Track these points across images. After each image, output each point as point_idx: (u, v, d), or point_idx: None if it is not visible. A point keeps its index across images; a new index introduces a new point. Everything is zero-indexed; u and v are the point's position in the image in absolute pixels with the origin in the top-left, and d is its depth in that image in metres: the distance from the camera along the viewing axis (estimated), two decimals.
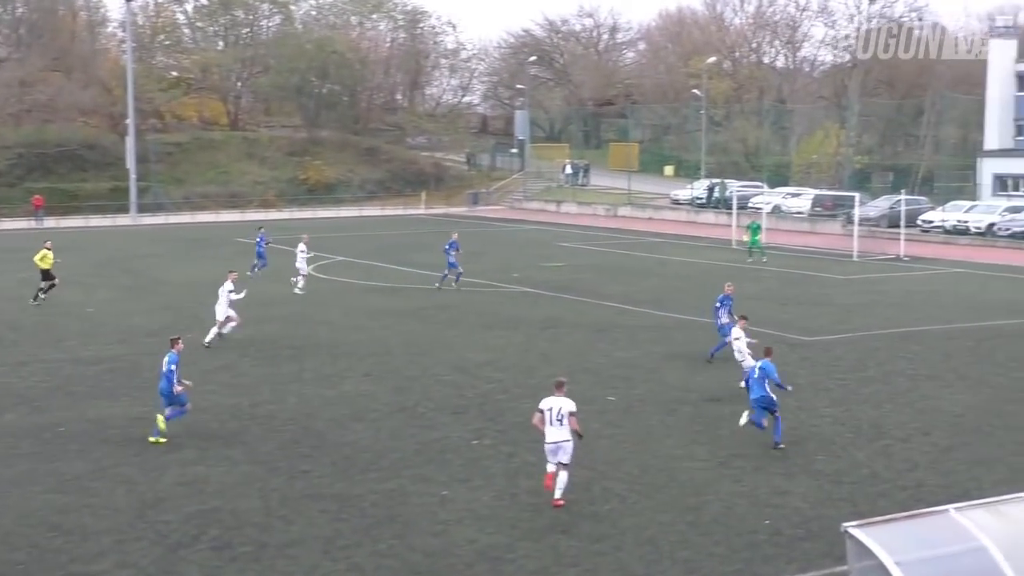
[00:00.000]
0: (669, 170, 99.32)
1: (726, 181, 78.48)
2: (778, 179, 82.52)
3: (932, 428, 22.10)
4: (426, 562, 15.20)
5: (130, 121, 79.87)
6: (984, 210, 64.63)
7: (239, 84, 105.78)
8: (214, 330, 29.94)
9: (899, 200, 62.20)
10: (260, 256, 45.00)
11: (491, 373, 26.91)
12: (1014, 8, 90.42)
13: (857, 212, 57.79)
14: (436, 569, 15.02)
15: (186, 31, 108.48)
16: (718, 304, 28.46)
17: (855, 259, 52.91)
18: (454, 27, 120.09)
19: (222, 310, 30.03)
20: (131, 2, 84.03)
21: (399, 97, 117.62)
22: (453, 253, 41.07)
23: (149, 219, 78.50)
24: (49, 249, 37.95)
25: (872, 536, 10.78)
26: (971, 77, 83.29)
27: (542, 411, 17.37)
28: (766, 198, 69.79)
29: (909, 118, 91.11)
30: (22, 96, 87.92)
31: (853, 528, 11.02)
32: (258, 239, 45.64)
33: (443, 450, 20.34)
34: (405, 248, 57.35)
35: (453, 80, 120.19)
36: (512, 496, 17.83)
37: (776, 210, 70.59)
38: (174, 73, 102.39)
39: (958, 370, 27.69)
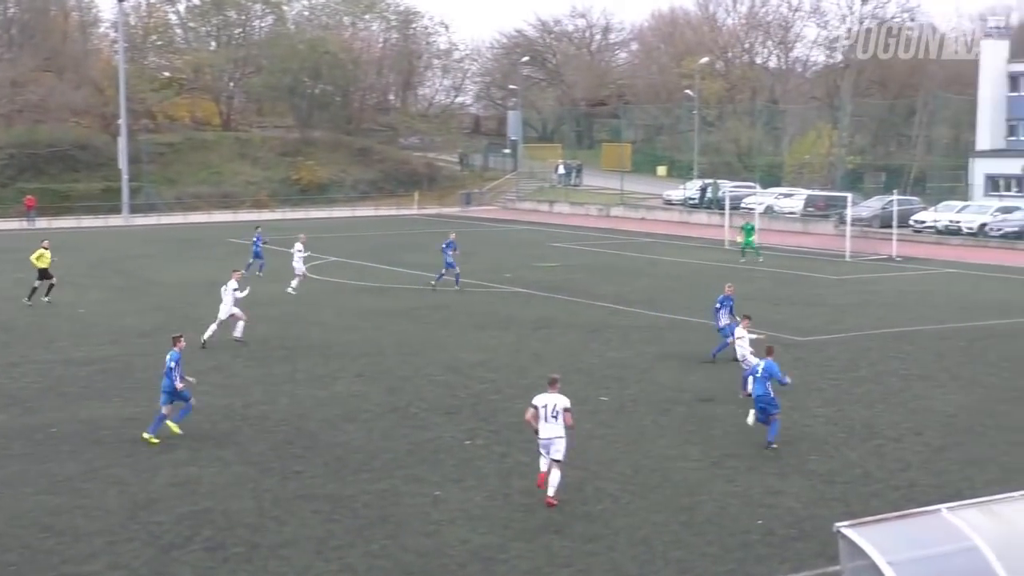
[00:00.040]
0: (662, 170, 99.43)
1: (719, 181, 78.57)
2: (771, 179, 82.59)
3: (924, 428, 22.13)
4: (419, 562, 15.19)
5: (122, 121, 79.71)
6: (976, 210, 64.75)
7: (231, 84, 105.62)
8: (212, 327, 29.96)
9: (891, 200, 62.31)
10: (257, 256, 44.97)
11: (484, 373, 26.91)
12: (1006, 9, 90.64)
13: (849, 212, 57.86)
14: (429, 569, 15.01)
15: (178, 31, 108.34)
16: (718, 305, 28.39)
17: (848, 259, 52.99)
18: (447, 27, 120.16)
19: (226, 309, 30.11)
20: (123, 2, 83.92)
21: (392, 97, 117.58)
22: (451, 253, 41.03)
23: (141, 219, 78.34)
24: (47, 248, 37.95)
25: (865, 536, 10.79)
26: (963, 77, 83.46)
27: (536, 407, 17.42)
28: (759, 198, 69.83)
29: (901, 118, 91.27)
30: (13, 96, 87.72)
31: (846, 528, 11.03)
32: (255, 239, 45.62)
33: (436, 450, 20.33)
34: (398, 248, 57.32)
35: (446, 80, 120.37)
36: (505, 496, 17.82)
37: (769, 210, 70.65)
38: (166, 73, 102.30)
39: (950, 370, 27.74)
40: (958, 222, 63.28)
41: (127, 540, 15.90)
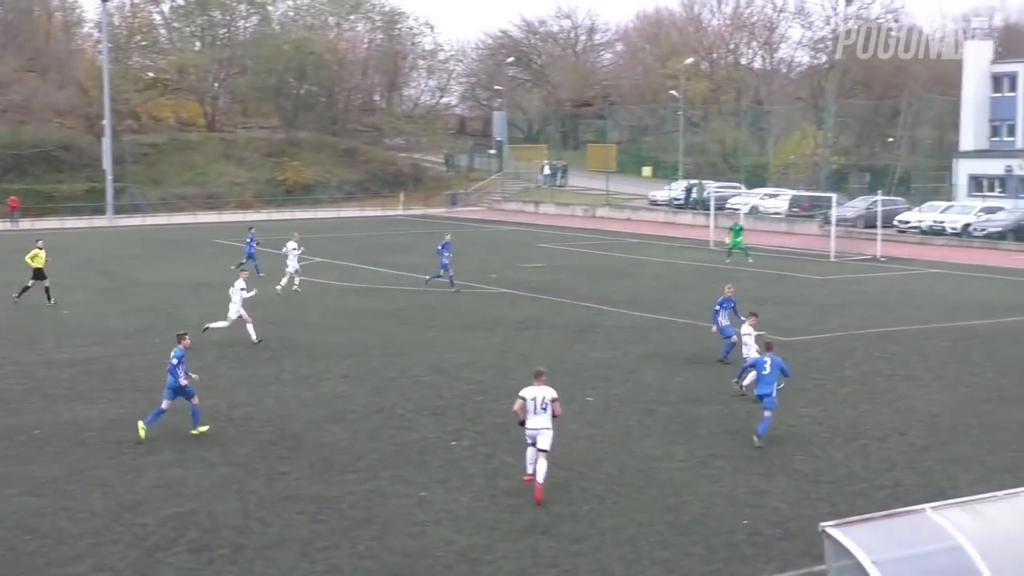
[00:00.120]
0: (647, 171, 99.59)
1: (704, 182, 78.74)
2: (756, 180, 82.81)
3: (909, 428, 22.20)
4: (404, 563, 15.17)
5: (106, 122, 79.48)
6: (960, 211, 65.03)
7: (216, 85, 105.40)
8: (221, 323, 30.38)
9: (876, 201, 62.52)
10: (250, 257, 44.88)
11: (470, 374, 26.90)
12: (989, 9, 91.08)
13: (834, 213, 58.02)
14: (414, 570, 14.99)
15: (163, 32, 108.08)
16: (717, 307, 28.33)
17: (832, 259, 53.14)
18: (432, 28, 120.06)
19: (235, 308, 30.27)
20: (107, 2, 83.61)
21: (377, 98, 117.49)
22: (446, 254, 41.00)
23: (126, 220, 78.12)
24: (41, 248, 37.90)
25: (850, 535, 10.81)
26: (947, 78, 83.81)
27: (524, 399, 17.58)
28: (744, 199, 70.02)
29: (885, 119, 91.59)
30: None
31: (831, 527, 11.05)
32: (248, 240, 45.53)
33: (421, 451, 20.31)
34: (384, 249, 57.27)
35: (431, 81, 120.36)
36: (491, 497, 17.81)
37: (754, 211, 70.85)
38: (150, 74, 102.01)
39: (934, 370, 27.83)
40: (942, 222, 63.54)
41: (112, 542, 15.84)
